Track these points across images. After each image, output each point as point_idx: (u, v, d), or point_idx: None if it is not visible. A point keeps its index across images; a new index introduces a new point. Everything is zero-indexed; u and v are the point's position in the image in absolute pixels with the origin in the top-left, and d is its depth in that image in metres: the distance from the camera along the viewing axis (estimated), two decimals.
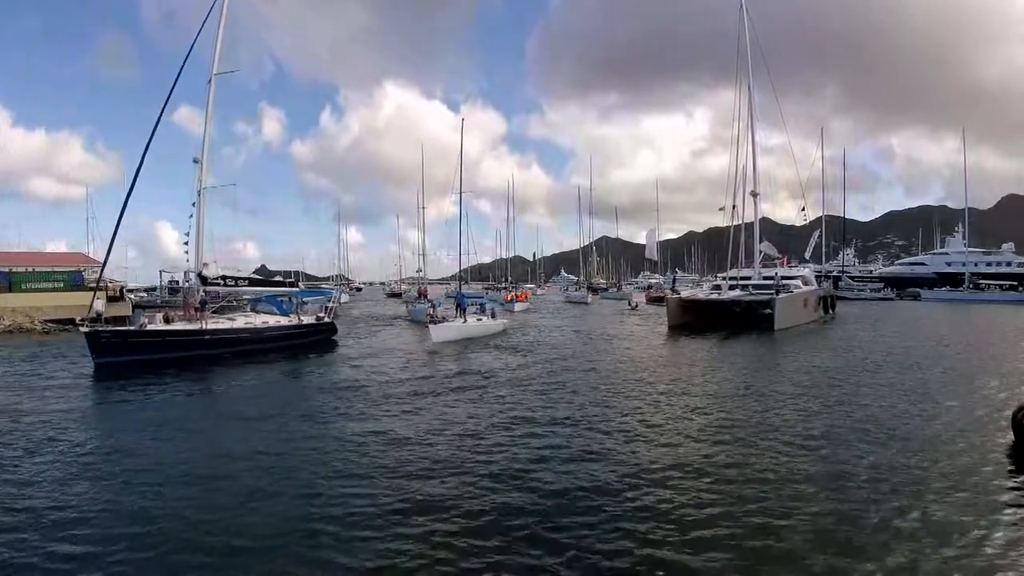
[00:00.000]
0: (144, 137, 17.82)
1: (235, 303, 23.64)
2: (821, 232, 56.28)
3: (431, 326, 21.47)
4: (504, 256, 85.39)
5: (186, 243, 19.26)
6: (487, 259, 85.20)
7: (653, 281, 69.72)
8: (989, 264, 64.96)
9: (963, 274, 57.84)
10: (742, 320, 25.74)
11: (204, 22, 19.08)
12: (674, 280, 49.45)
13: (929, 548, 4.92)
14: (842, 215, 67.64)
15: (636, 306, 44.53)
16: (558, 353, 18.32)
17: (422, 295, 40.32)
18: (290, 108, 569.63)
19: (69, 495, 6.29)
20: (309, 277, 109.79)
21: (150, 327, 16.61)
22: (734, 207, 31.66)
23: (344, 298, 53.14)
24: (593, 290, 66.35)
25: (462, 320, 23.24)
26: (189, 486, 6.55)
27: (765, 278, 29.81)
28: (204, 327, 17.30)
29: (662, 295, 39.44)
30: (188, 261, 19.36)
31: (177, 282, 42.63)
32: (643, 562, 4.75)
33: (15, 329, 25.64)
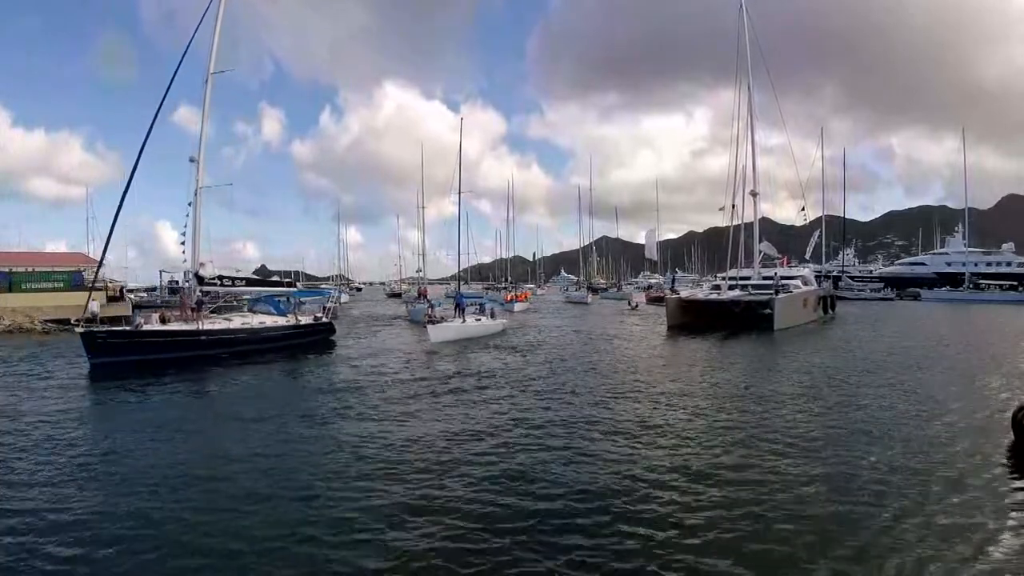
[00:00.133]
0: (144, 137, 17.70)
1: (235, 303, 23.62)
2: (821, 232, 56.25)
3: (429, 326, 21.44)
4: (504, 256, 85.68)
5: (182, 243, 19.25)
6: (487, 259, 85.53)
7: (653, 281, 69.69)
8: (989, 264, 64.94)
9: (963, 274, 57.83)
10: (741, 320, 25.71)
11: (200, 21, 19.07)
12: (673, 280, 49.44)
13: (931, 551, 4.89)
14: (842, 215, 67.74)
15: (636, 306, 44.53)
16: (557, 353, 18.30)
17: (422, 295, 40.28)
18: (290, 108, 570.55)
19: (64, 496, 6.26)
20: (309, 277, 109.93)
21: (146, 327, 16.60)
22: (734, 207, 31.70)
23: (344, 298, 53.14)
24: (593, 290, 66.36)
25: (461, 320, 23.20)
26: (185, 488, 6.52)
27: (765, 278, 29.78)
28: (200, 327, 17.27)
29: (662, 295, 39.42)
30: (185, 261, 19.33)
31: (177, 282, 42.55)
32: (643, 566, 4.72)
33: (15, 329, 25.64)
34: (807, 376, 13.63)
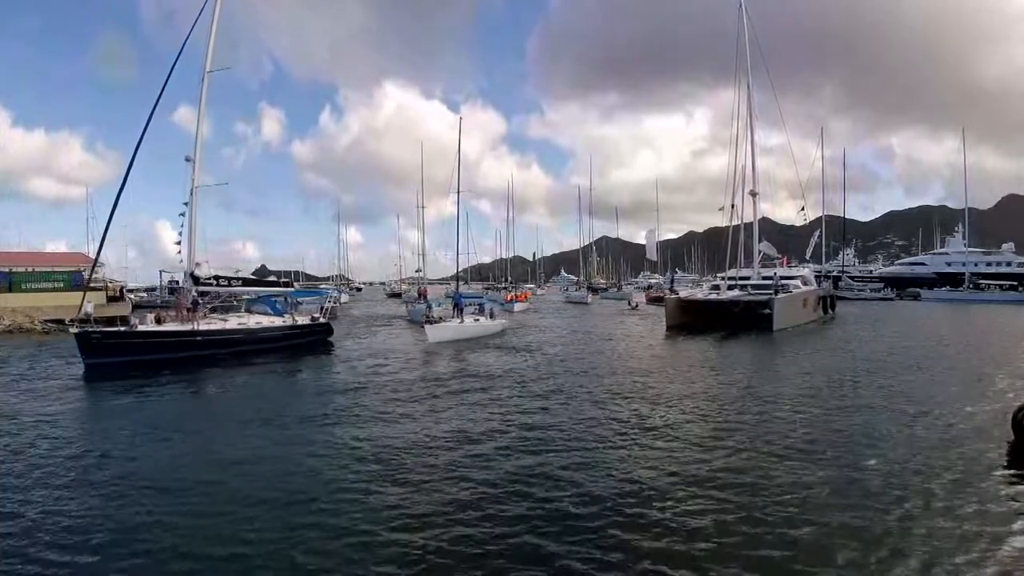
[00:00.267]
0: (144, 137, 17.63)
1: (235, 303, 23.58)
2: (821, 232, 56.18)
3: (427, 326, 21.38)
4: (504, 256, 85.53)
5: (178, 243, 19.20)
6: (487, 259, 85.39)
7: (653, 281, 69.67)
8: (989, 264, 64.82)
9: (963, 274, 57.71)
10: (741, 320, 25.64)
11: (196, 19, 19.01)
12: (672, 280, 49.40)
13: (932, 553, 4.84)
14: (842, 215, 67.61)
15: (636, 306, 44.51)
16: (557, 354, 18.24)
17: (422, 295, 40.24)
18: (289, 108, 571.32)
19: (55, 500, 6.20)
20: (309, 277, 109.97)
21: (141, 328, 16.54)
22: (733, 207, 31.64)
23: (344, 298, 53.17)
24: (593, 290, 66.30)
25: (459, 320, 23.15)
26: (177, 491, 6.46)
27: (764, 278, 29.72)
28: (196, 328, 17.22)
29: (662, 295, 39.39)
30: (181, 261, 19.28)
31: (177, 282, 42.60)
32: (644, 573, 4.66)
33: (15, 329, 25.62)
34: (807, 377, 13.57)
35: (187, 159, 18.90)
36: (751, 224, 32.38)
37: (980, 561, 4.72)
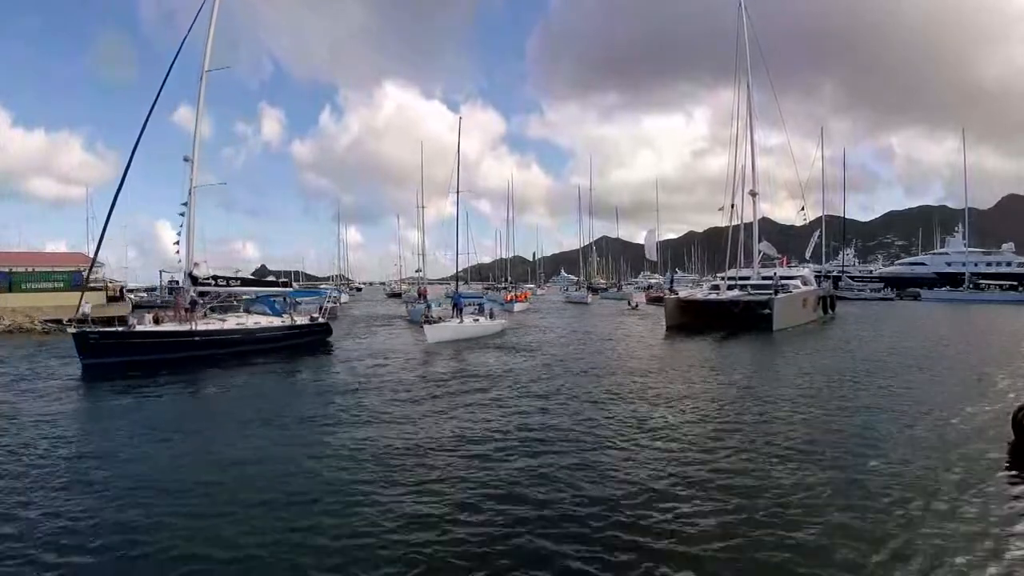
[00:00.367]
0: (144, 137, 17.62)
1: (234, 303, 23.56)
2: (821, 232, 56.16)
3: (426, 327, 21.35)
4: (504, 256, 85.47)
5: (176, 243, 19.19)
6: (487, 259, 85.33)
7: (653, 281, 69.66)
8: (989, 264, 64.81)
9: (963, 274, 57.69)
10: (741, 320, 25.62)
11: (195, 19, 19.00)
12: (672, 280, 49.37)
13: (933, 553, 4.82)
14: (842, 215, 67.59)
15: (636, 306, 44.50)
16: (556, 354, 18.22)
17: (422, 295, 40.22)
18: (289, 108, 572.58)
19: (54, 501, 6.18)
20: (309, 277, 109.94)
21: (139, 328, 16.51)
22: (733, 207, 31.62)
23: (344, 298, 53.16)
24: (593, 290, 66.23)
25: (459, 320, 23.12)
26: (177, 493, 6.44)
27: (764, 278, 29.71)
28: (194, 328, 17.19)
29: (662, 295, 39.35)
30: (179, 261, 19.27)
31: (177, 282, 42.61)
32: (644, 572, 4.64)
33: (15, 329, 25.60)
34: (807, 377, 13.55)
35: (185, 159, 18.89)
36: (751, 224, 32.38)
37: (981, 562, 4.71)
